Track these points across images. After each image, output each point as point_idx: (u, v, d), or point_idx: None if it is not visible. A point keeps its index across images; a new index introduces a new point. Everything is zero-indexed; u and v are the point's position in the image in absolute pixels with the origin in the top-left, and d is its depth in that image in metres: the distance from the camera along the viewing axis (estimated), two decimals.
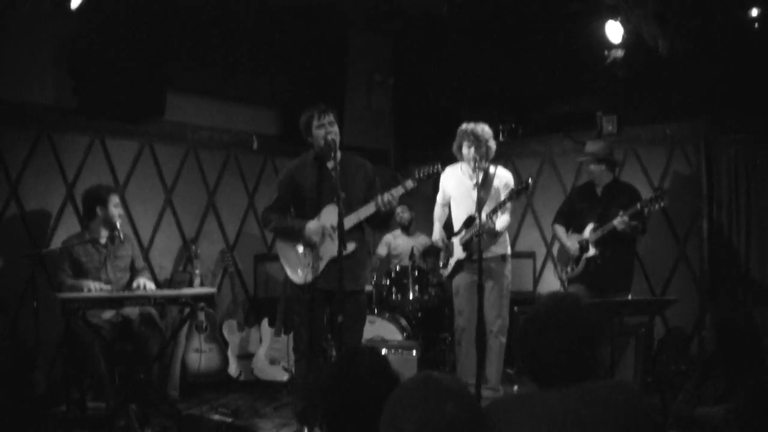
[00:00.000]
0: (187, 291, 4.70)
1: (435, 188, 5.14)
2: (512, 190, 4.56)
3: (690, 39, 4.93)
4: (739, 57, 5.32)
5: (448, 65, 6.97)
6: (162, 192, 5.95)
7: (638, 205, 4.73)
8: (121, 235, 4.60)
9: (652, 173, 6.24)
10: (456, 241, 4.81)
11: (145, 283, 4.53)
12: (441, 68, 7.03)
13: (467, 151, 4.68)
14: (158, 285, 4.73)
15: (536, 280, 6.78)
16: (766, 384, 3.03)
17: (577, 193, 5.34)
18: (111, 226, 4.64)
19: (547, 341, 1.95)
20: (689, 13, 4.89)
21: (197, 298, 4.50)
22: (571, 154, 6.52)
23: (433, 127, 6.93)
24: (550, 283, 6.65)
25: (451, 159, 4.94)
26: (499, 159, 6.69)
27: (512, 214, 4.92)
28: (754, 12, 4.91)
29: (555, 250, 6.65)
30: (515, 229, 6.86)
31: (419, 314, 5.91)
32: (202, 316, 5.44)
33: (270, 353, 5.60)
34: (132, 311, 4.51)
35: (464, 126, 4.75)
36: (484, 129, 4.71)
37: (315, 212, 4.15)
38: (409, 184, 4.07)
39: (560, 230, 5.19)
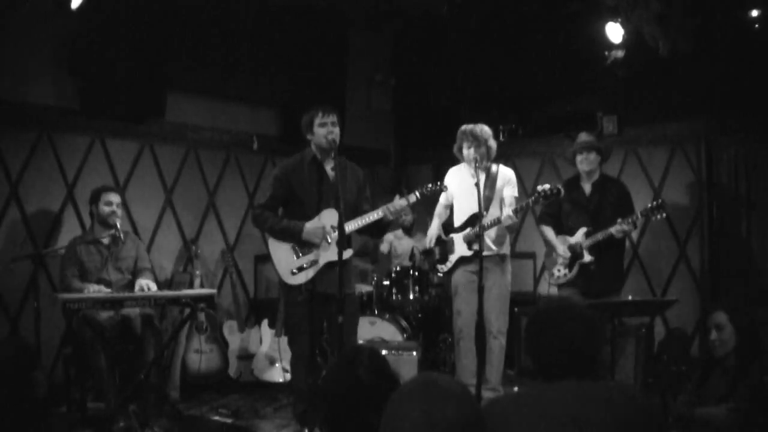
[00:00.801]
0: (187, 292, 4.70)
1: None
2: (539, 194, 4.51)
3: (690, 39, 4.93)
4: (740, 57, 5.33)
5: (448, 65, 6.98)
6: (162, 192, 5.94)
7: (639, 214, 4.70)
8: (121, 235, 4.59)
9: (653, 173, 6.23)
10: (458, 237, 4.80)
11: (147, 284, 4.53)
12: (441, 68, 7.03)
13: (467, 151, 4.69)
14: (158, 285, 4.73)
15: (536, 280, 6.78)
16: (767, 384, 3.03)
17: (564, 192, 5.23)
18: (107, 224, 4.63)
19: (547, 340, 2.01)
20: (690, 14, 4.89)
21: (197, 298, 4.50)
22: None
23: (433, 127, 6.94)
24: (550, 284, 6.65)
25: (451, 158, 4.94)
26: (500, 159, 6.68)
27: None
28: (754, 12, 4.92)
29: (542, 252, 6.63)
30: (511, 224, 6.85)
31: (419, 315, 5.91)
32: (202, 316, 5.44)
33: (270, 354, 5.60)
34: (133, 312, 4.51)
35: (464, 127, 4.75)
36: (483, 129, 4.71)
37: (311, 214, 4.14)
38: (412, 197, 4.14)
39: (549, 231, 5.06)
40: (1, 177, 4.99)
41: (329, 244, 4.10)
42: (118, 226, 4.61)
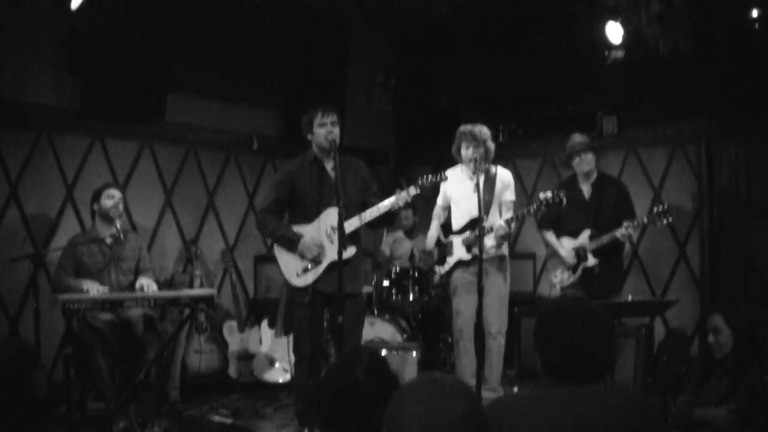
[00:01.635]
0: (187, 292, 4.70)
1: (436, 191, 5.13)
2: (541, 202, 4.51)
3: (690, 39, 4.93)
4: (740, 58, 5.32)
5: (449, 65, 6.98)
6: (162, 193, 5.94)
7: (645, 219, 4.71)
8: (121, 235, 4.59)
9: (653, 174, 6.23)
10: (457, 240, 4.79)
11: (147, 284, 4.52)
12: (441, 68, 7.03)
13: (465, 152, 4.68)
14: (159, 286, 4.72)
15: (536, 281, 6.77)
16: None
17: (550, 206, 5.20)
18: (108, 218, 4.63)
19: (560, 343, 1.99)
20: (690, 14, 4.89)
21: (197, 299, 4.50)
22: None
23: (434, 127, 6.93)
24: (551, 285, 6.64)
25: (452, 158, 4.93)
26: (500, 159, 6.67)
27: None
28: (755, 12, 4.91)
29: (545, 255, 6.62)
30: (516, 230, 6.85)
31: (419, 315, 5.91)
32: (202, 317, 5.44)
33: (270, 354, 5.60)
34: (133, 312, 4.51)
35: (462, 127, 4.74)
36: (482, 130, 4.69)
37: (314, 214, 4.16)
38: (413, 190, 4.10)
39: (551, 236, 5.06)
40: (1, 177, 5.00)
41: (333, 244, 4.09)
42: (119, 225, 4.60)
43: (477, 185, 4.33)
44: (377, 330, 5.51)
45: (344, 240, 3.83)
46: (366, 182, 4.31)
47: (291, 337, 5.16)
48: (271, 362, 5.59)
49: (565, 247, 4.96)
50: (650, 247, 6.20)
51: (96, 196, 4.68)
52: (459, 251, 4.76)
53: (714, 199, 5.90)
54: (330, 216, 4.10)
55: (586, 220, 4.91)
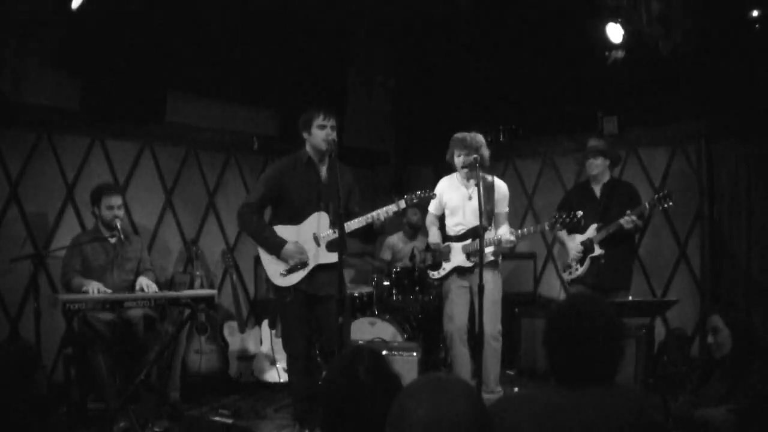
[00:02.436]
0: (187, 292, 4.69)
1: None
2: (557, 218, 4.60)
3: (690, 39, 4.92)
4: (740, 58, 5.32)
5: (449, 66, 6.97)
6: (162, 193, 5.94)
7: (647, 204, 4.76)
8: (122, 236, 4.59)
9: (653, 174, 6.23)
10: (455, 246, 4.79)
11: (147, 284, 4.52)
12: (441, 69, 7.03)
13: (458, 159, 4.70)
14: (159, 286, 4.72)
15: (536, 281, 6.78)
16: None
17: (575, 195, 5.31)
18: (108, 226, 4.63)
19: (571, 346, 1.97)
20: (690, 14, 4.88)
21: (198, 299, 4.51)
22: (571, 154, 6.53)
23: (434, 127, 6.93)
24: (551, 283, 6.65)
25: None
26: (500, 159, 6.71)
27: (513, 216, 4.93)
28: (755, 12, 4.91)
29: (556, 252, 6.65)
30: (509, 246, 6.85)
31: (419, 315, 5.90)
32: (202, 317, 5.44)
33: (270, 354, 5.60)
34: (134, 312, 4.51)
35: (456, 135, 4.75)
36: (475, 137, 4.67)
37: (300, 215, 4.15)
38: (402, 204, 4.13)
39: (562, 233, 5.18)
40: (1, 177, 5.00)
41: (319, 246, 4.11)
42: (119, 226, 4.60)
43: (478, 193, 4.31)
44: (377, 330, 5.51)
45: (344, 240, 3.82)
46: (351, 189, 4.32)
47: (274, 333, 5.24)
48: (271, 362, 5.59)
49: (575, 242, 5.04)
50: (650, 247, 6.20)
51: (95, 201, 4.66)
52: (458, 258, 4.76)
53: (714, 199, 5.90)
54: (318, 220, 4.11)
55: (594, 216, 4.97)
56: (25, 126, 5.10)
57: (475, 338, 4.46)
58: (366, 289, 6.01)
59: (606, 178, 5.10)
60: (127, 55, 5.09)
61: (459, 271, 4.76)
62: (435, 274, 4.92)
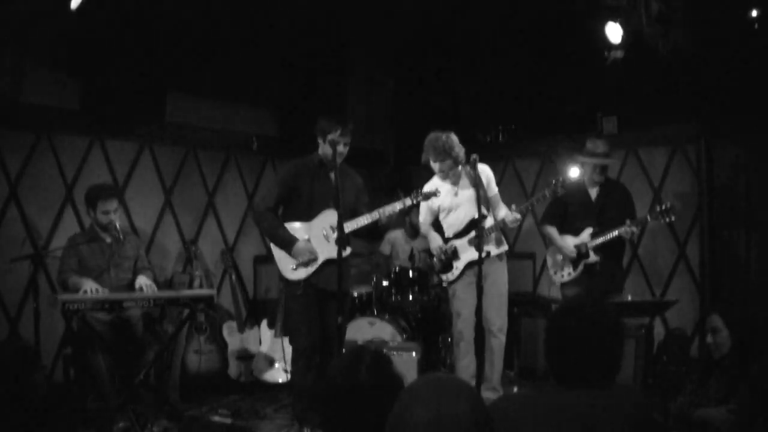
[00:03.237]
0: (186, 292, 4.70)
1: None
2: (551, 187, 4.57)
3: (690, 40, 4.92)
4: (740, 58, 5.32)
5: (449, 66, 6.97)
6: (162, 193, 5.94)
7: (648, 217, 4.74)
8: (121, 236, 4.58)
9: (653, 174, 6.23)
10: (461, 243, 4.78)
11: (146, 284, 4.52)
12: (441, 69, 7.02)
13: (434, 165, 4.75)
14: (158, 286, 4.72)
15: (536, 281, 6.78)
16: None
17: (569, 196, 5.15)
18: (104, 228, 4.62)
19: (572, 347, 1.97)
20: (690, 14, 4.88)
21: (197, 299, 4.52)
22: (571, 154, 6.52)
23: (434, 127, 6.91)
24: (551, 284, 6.64)
25: None
26: (499, 159, 6.71)
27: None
28: (754, 12, 4.91)
29: (542, 252, 6.62)
30: (515, 230, 6.85)
31: (419, 315, 5.90)
32: (202, 317, 5.44)
33: (270, 354, 5.60)
34: (133, 312, 4.50)
35: (427, 140, 4.74)
36: (446, 142, 4.64)
37: (310, 213, 4.28)
38: (408, 201, 4.26)
39: (553, 231, 5.12)
40: (0, 177, 4.99)
41: (329, 242, 4.22)
42: (118, 226, 4.59)
43: (476, 185, 4.33)
44: (377, 330, 5.50)
45: (344, 241, 3.93)
46: (360, 192, 4.48)
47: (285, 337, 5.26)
48: (270, 362, 5.58)
49: (567, 242, 4.99)
50: (650, 247, 6.20)
51: (91, 204, 4.62)
52: (468, 253, 4.75)
53: (713, 199, 5.90)
54: (328, 217, 4.24)
55: (590, 219, 4.94)
56: (24, 126, 5.10)
57: (477, 335, 4.45)
58: (365, 289, 6.01)
59: (602, 178, 5.07)
60: (127, 55, 5.09)
61: (470, 266, 4.75)
62: (450, 276, 4.87)
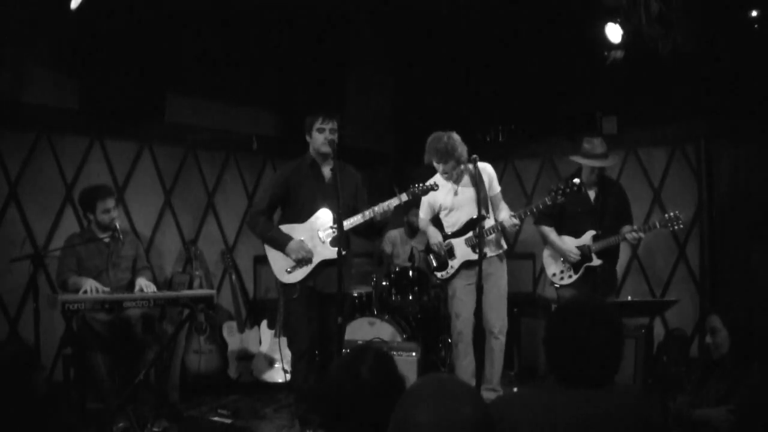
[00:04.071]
0: (186, 292, 4.69)
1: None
2: (559, 189, 4.50)
3: (690, 39, 4.92)
4: (740, 58, 5.32)
5: (449, 66, 6.97)
6: (161, 193, 5.94)
7: (657, 223, 4.70)
8: (121, 236, 4.58)
9: (652, 174, 6.23)
10: (457, 242, 4.79)
11: (146, 284, 4.52)
12: (441, 69, 7.03)
13: (437, 166, 4.74)
14: (158, 286, 4.72)
15: (536, 281, 6.78)
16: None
17: (568, 201, 5.13)
18: (105, 228, 4.62)
19: (572, 345, 1.97)
20: (690, 14, 4.88)
21: (197, 299, 4.51)
22: (571, 154, 6.51)
23: (434, 127, 6.91)
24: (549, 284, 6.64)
25: None
26: (499, 160, 6.71)
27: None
28: (754, 12, 4.91)
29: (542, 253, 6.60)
30: (516, 231, 6.85)
31: (419, 315, 5.90)
32: (201, 317, 5.44)
33: (269, 354, 5.60)
34: (133, 313, 4.50)
35: (429, 140, 4.72)
36: (449, 142, 4.62)
37: (306, 214, 4.24)
38: (404, 197, 4.23)
39: (551, 232, 5.03)
40: (0, 177, 4.99)
41: (323, 243, 4.19)
42: (118, 226, 4.59)
43: (477, 185, 4.34)
44: (377, 330, 5.51)
45: (343, 239, 3.90)
46: (358, 189, 4.42)
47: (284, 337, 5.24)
48: (270, 363, 5.58)
49: (569, 244, 4.95)
50: (650, 247, 6.20)
51: (89, 206, 4.59)
52: (463, 252, 4.75)
53: (713, 199, 5.91)
54: (322, 216, 4.22)
55: (590, 221, 4.90)
56: (24, 126, 5.09)
57: (477, 336, 4.46)
58: (365, 289, 6.01)
59: (599, 178, 5.00)
60: (126, 55, 5.09)
61: (467, 265, 4.75)
62: (443, 275, 4.88)
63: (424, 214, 5.00)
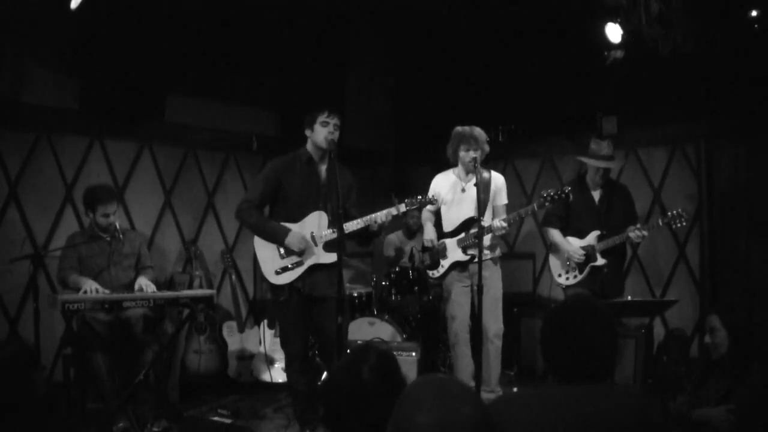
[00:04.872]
0: (186, 292, 4.69)
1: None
2: (545, 198, 4.49)
3: (690, 39, 4.92)
4: (740, 57, 5.32)
5: (448, 66, 6.97)
6: (161, 193, 5.94)
7: (660, 221, 4.71)
8: (120, 236, 4.58)
9: (652, 174, 6.23)
10: (450, 242, 4.79)
11: (146, 284, 4.52)
12: (441, 69, 7.03)
13: (464, 153, 4.68)
14: (158, 286, 4.72)
15: (536, 281, 6.78)
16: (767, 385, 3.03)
17: (572, 202, 5.09)
18: (103, 230, 4.62)
19: (567, 342, 1.99)
20: (690, 14, 4.88)
21: (197, 299, 4.51)
22: (571, 154, 6.52)
23: (434, 127, 6.92)
24: (551, 284, 6.64)
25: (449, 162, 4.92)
26: (499, 160, 6.71)
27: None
28: (754, 12, 4.91)
29: (542, 253, 6.61)
30: (515, 230, 6.86)
31: (418, 315, 5.90)
32: (201, 317, 5.44)
33: (270, 354, 5.60)
34: (133, 313, 4.50)
35: (460, 129, 4.73)
36: (481, 132, 4.69)
37: (298, 215, 4.13)
38: (402, 207, 4.17)
39: (557, 234, 5.05)
40: (0, 177, 4.99)
41: (316, 246, 4.11)
42: (118, 225, 4.59)
43: (476, 183, 4.35)
44: (377, 330, 5.51)
45: (343, 241, 3.84)
46: (350, 191, 4.31)
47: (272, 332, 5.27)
48: (270, 363, 5.59)
49: (573, 245, 4.95)
50: (650, 247, 6.20)
51: (90, 207, 4.61)
52: (455, 253, 4.75)
53: (713, 199, 5.91)
54: (316, 219, 4.11)
55: (595, 221, 4.91)
56: (24, 126, 5.10)
57: (475, 338, 4.46)
58: (365, 289, 6.01)
59: (604, 179, 5.03)
60: (126, 55, 5.09)
61: (458, 266, 4.75)
62: (435, 273, 4.90)
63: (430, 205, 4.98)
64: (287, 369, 4.27)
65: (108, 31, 4.98)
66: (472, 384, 4.29)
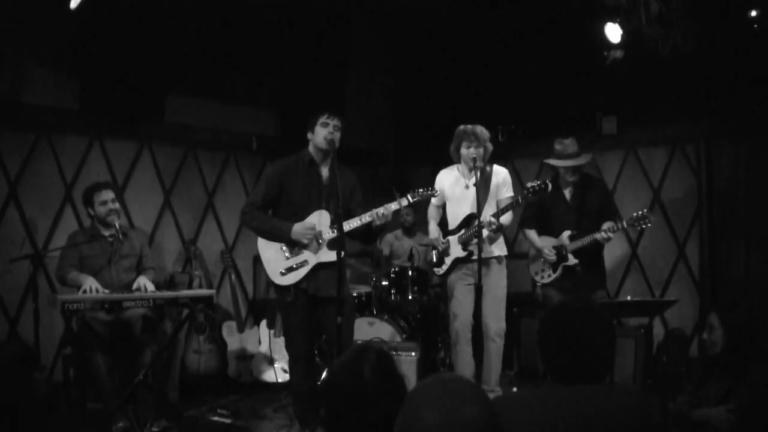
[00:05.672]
0: (186, 292, 4.69)
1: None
2: (528, 190, 4.48)
3: (690, 39, 4.92)
4: (740, 57, 5.32)
5: (448, 66, 6.97)
6: (161, 193, 5.94)
7: (625, 224, 4.73)
8: (120, 234, 4.58)
9: (652, 174, 6.23)
10: (453, 239, 4.79)
11: (145, 284, 4.52)
12: (441, 69, 7.03)
13: (466, 151, 4.67)
14: (157, 286, 4.72)
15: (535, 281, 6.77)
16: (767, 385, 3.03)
17: (545, 201, 5.05)
18: (107, 224, 4.62)
19: (565, 342, 1.99)
20: (690, 14, 4.88)
21: (196, 299, 4.50)
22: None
23: (434, 127, 6.92)
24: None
25: (451, 160, 4.93)
26: (499, 160, 6.68)
27: (513, 213, 4.88)
28: (754, 12, 4.91)
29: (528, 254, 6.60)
30: (515, 230, 6.85)
31: (418, 315, 5.90)
32: (201, 317, 5.44)
33: (269, 354, 5.60)
34: (132, 312, 4.50)
35: (463, 126, 4.74)
36: (483, 130, 4.71)
37: (301, 215, 4.13)
38: (404, 201, 4.16)
39: (532, 234, 5.11)
40: (0, 177, 4.99)
41: (320, 245, 4.11)
42: (117, 225, 4.59)
43: (476, 183, 4.35)
44: (376, 330, 5.51)
45: (344, 240, 3.83)
46: (354, 191, 4.31)
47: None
48: (270, 362, 5.59)
49: (545, 245, 5.00)
50: (649, 247, 6.20)
51: (88, 201, 4.63)
52: (455, 250, 4.76)
53: (713, 199, 5.91)
54: (319, 218, 4.12)
55: (569, 220, 4.94)
56: (24, 126, 5.10)
57: (476, 337, 4.46)
58: (364, 289, 6.01)
59: (576, 176, 5.03)
60: (126, 55, 5.09)
61: (460, 263, 4.75)
62: (439, 271, 4.91)
63: (435, 200, 4.98)
64: (290, 370, 4.27)
65: (108, 31, 4.98)
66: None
